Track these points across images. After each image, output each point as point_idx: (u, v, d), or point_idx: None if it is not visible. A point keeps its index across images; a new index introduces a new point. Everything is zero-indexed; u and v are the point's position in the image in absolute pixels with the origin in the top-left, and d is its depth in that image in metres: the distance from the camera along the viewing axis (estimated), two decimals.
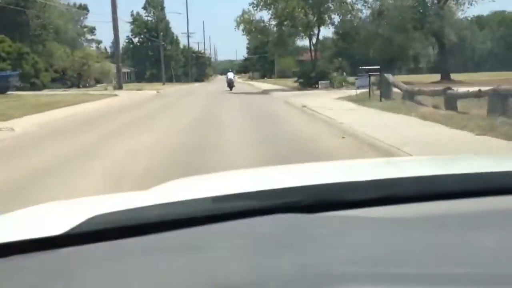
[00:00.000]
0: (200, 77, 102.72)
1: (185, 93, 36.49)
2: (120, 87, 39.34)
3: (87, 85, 55.07)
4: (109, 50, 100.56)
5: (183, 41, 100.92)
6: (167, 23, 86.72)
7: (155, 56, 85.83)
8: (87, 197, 1.42)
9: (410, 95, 16.16)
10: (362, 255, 0.81)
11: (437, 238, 0.86)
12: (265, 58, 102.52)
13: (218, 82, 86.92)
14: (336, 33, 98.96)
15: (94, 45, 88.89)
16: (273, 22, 34.11)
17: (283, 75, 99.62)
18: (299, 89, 31.56)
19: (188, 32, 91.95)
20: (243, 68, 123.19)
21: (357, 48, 49.56)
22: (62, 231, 0.94)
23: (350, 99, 19.09)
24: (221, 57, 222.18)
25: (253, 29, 33.47)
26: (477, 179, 1.22)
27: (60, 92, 34.37)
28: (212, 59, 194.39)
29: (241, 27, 33.74)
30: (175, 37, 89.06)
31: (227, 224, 0.98)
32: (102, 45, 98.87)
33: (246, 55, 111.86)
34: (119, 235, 0.95)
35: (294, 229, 0.93)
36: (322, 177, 1.34)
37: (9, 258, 0.88)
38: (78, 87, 53.30)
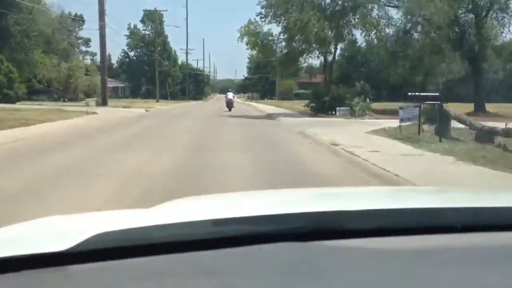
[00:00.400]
0: (198, 96, 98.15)
1: (178, 114, 31.70)
2: (104, 103, 34.44)
3: (77, 98, 50.30)
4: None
5: (181, 58, 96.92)
6: (165, 37, 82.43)
7: (152, 72, 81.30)
8: (86, 213, 1.41)
9: (487, 136, 11.30)
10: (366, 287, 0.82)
11: (438, 272, 0.87)
12: (266, 79, 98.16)
13: (216, 102, 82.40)
14: (343, 54, 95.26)
15: (88, 57, 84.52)
16: (283, 37, 29.26)
17: (284, 97, 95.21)
18: (310, 115, 26.71)
19: (187, 48, 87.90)
20: (242, 88, 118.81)
21: (371, 70, 44.59)
22: (64, 247, 0.93)
23: (390, 134, 14.23)
24: (221, 75, 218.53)
25: (259, 42, 28.60)
26: (478, 213, 1.21)
27: (34, 106, 29.53)
28: (211, 78, 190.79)
29: (245, 39, 28.90)
30: (173, 53, 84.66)
31: (233, 250, 0.98)
32: (97, 58, 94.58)
33: (246, 75, 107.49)
34: (121, 254, 0.94)
35: (301, 259, 0.94)
36: (324, 204, 1.32)
37: (8, 275, 0.87)
38: (65, 100, 48.56)
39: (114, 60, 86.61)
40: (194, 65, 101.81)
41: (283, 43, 29.36)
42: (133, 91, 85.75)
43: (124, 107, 33.21)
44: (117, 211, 1.51)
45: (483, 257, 0.99)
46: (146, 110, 31.98)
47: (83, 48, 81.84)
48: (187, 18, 75.63)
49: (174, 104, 51.63)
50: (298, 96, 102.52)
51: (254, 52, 28.86)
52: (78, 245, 0.93)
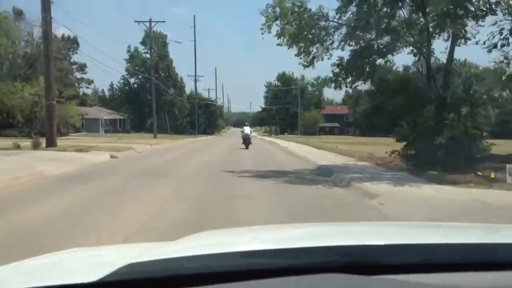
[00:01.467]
0: (210, 129, 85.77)
1: (168, 161, 19.00)
2: (51, 143, 21.65)
3: (61, 134, 37.96)
4: (105, 92, 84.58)
5: (190, 86, 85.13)
6: (170, 62, 70.61)
7: (156, 102, 69.20)
8: (115, 245, 1.41)
9: None
10: None
11: None
12: (286, 110, 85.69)
13: (230, 136, 70.00)
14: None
15: (84, 85, 72.76)
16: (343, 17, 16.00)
17: (308, 131, 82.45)
18: (411, 172, 13.49)
19: (195, 74, 75.54)
20: (258, 120, 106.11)
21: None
22: (93, 278, 0.91)
23: None
24: (234, 109, 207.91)
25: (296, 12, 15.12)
26: None
27: None
28: (225, 110, 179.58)
29: (275, 25, 15.41)
30: (179, 79, 72.58)
31: (271, 282, 0.92)
32: (96, 87, 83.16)
33: (262, 105, 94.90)
34: (151, 285, 0.93)
35: None
36: (359, 238, 1.27)
37: None
38: (30, 137, 36.34)
39: (106, 88, 74.97)
40: (205, 95, 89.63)
41: (344, 29, 15.93)
42: (137, 124, 73.80)
43: (81, 150, 20.30)
44: (143, 244, 1.51)
45: None
46: (112, 157, 19.01)
47: (78, 75, 70.24)
48: (195, 39, 63.48)
49: (175, 141, 38.96)
50: (323, 131, 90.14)
51: (282, 41, 14.77)
52: (107, 276, 0.91)
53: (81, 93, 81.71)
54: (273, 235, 1.48)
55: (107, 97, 78.22)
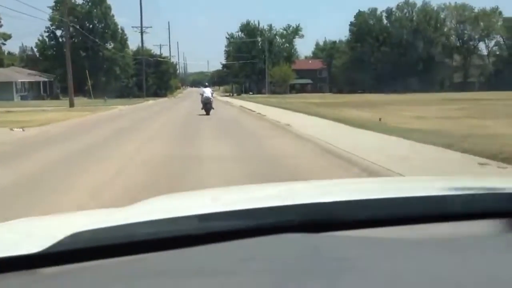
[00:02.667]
0: (161, 91, 72.31)
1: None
2: None
3: None
4: (35, 51, 68.93)
5: (136, 41, 70.52)
6: (107, 8, 56.06)
7: (91, 59, 55.16)
8: (67, 212, 1.32)
9: None
10: (377, 280, 0.76)
11: (444, 262, 0.84)
12: (252, 66, 72.82)
13: (186, 99, 57.29)
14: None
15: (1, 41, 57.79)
16: None
17: (277, 90, 70.18)
18: None
19: (141, 25, 61.36)
20: (218, 80, 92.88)
21: None
22: (40, 248, 0.87)
23: None
24: (190, 68, 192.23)
25: None
26: (484, 199, 1.15)
27: None
28: (180, 69, 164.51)
29: None
30: (119, 31, 58.27)
31: (226, 245, 0.89)
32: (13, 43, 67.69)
33: (223, 62, 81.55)
34: (101, 254, 0.88)
35: (306, 250, 0.86)
36: (319, 196, 1.22)
37: None
38: None
39: (32, 43, 59.41)
40: (156, 51, 75.31)
41: None
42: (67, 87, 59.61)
43: None
44: (95, 210, 1.45)
45: (492, 244, 0.94)
46: None
47: None
48: None
49: (102, 111, 26.13)
50: (294, 88, 78.13)
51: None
52: (52, 246, 0.86)
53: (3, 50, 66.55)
54: (232, 196, 1.42)
55: (38, 56, 62.75)
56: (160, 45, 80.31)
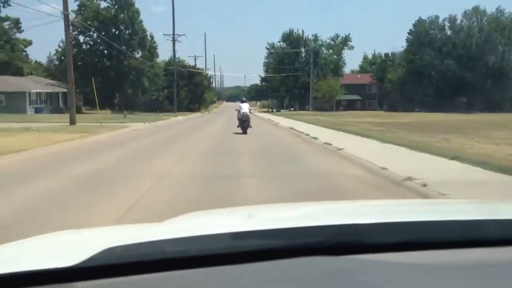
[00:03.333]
0: (194, 105, 65.94)
1: None
2: None
3: None
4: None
5: (167, 53, 64.04)
6: (135, 13, 49.95)
7: (116, 69, 49.13)
8: (100, 227, 1.37)
9: None
10: None
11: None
12: (294, 79, 65.56)
13: (221, 114, 50.72)
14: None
15: (22, 47, 52.39)
16: None
17: (322, 106, 62.51)
18: None
19: (174, 33, 55.07)
20: (256, 94, 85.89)
21: None
22: (73, 262, 0.88)
23: None
24: (227, 83, 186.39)
25: None
26: None
27: None
28: (216, 83, 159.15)
29: None
30: (148, 38, 51.97)
31: (255, 265, 0.89)
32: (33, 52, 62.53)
33: (262, 74, 74.45)
34: (132, 270, 0.88)
35: (333, 273, 0.87)
36: (351, 217, 1.24)
37: None
38: None
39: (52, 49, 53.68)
40: (190, 63, 69.01)
41: None
42: (94, 99, 53.88)
43: None
44: (129, 225, 1.47)
45: None
46: None
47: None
48: None
49: (106, 132, 19.30)
50: (340, 105, 69.90)
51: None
52: (84, 261, 0.88)
53: (30, 59, 61.78)
54: (265, 215, 1.40)
55: (58, 65, 57.22)
56: (195, 56, 74.07)
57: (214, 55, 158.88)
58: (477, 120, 36.45)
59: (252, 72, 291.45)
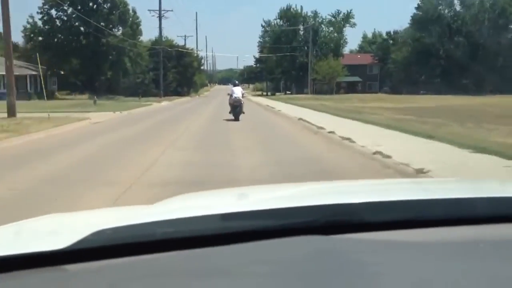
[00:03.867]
0: (183, 88, 60.65)
1: None
2: None
3: None
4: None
5: (153, 33, 58.11)
6: None
7: (94, 47, 43.60)
8: (90, 210, 1.38)
9: None
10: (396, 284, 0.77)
11: (467, 267, 0.83)
12: (291, 59, 60.18)
13: (212, 99, 45.87)
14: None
15: None
16: None
17: (322, 89, 57.32)
18: None
19: (160, 8, 49.48)
20: (250, 75, 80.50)
21: None
22: (64, 245, 0.88)
23: None
24: (219, 66, 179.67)
25: None
26: (509, 203, 1.13)
27: None
28: (207, 65, 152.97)
29: None
30: (130, 13, 46.10)
31: (244, 246, 0.89)
32: None
33: (257, 55, 69.07)
34: (122, 252, 0.89)
35: (324, 252, 0.87)
36: (341, 197, 1.24)
37: (7, 274, 0.84)
38: None
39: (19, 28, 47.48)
40: (179, 42, 63.35)
41: None
42: (71, 81, 48.45)
43: None
44: (119, 208, 1.49)
45: None
46: None
47: None
48: None
49: (67, 124, 14.18)
50: (341, 87, 64.71)
51: None
52: (75, 243, 0.88)
53: None
54: (256, 196, 1.41)
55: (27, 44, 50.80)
56: (185, 36, 68.22)
57: (206, 36, 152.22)
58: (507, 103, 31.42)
59: (246, 54, 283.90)
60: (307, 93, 53.30)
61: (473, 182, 1.78)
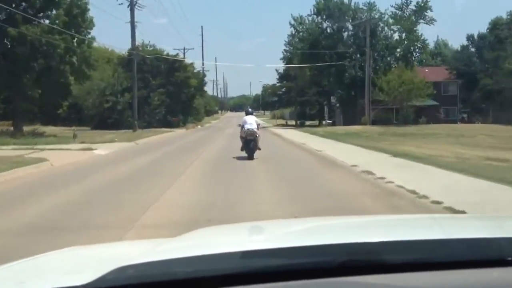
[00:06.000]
0: (176, 116, 41.12)
1: None
2: None
3: None
4: None
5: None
6: None
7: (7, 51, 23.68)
8: (111, 243, 1.38)
9: None
10: None
11: None
12: (337, 73, 39.77)
13: (218, 133, 28.68)
14: None
15: None
16: None
17: (384, 118, 36.31)
18: None
19: None
20: (270, 100, 60.15)
21: None
22: (80, 282, 0.87)
23: None
24: (231, 93, 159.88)
25: None
26: None
27: None
28: (217, 91, 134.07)
29: None
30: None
31: (273, 287, 0.88)
32: None
33: (281, 68, 49.04)
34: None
35: None
36: (360, 235, 1.21)
37: None
38: None
39: None
40: (168, 52, 43.43)
41: None
42: None
43: None
44: (139, 241, 1.46)
45: None
46: None
47: None
48: None
49: None
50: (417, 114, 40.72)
51: None
52: (94, 281, 0.86)
53: None
54: (274, 232, 1.39)
55: None
56: (185, 48, 48.60)
57: (216, 58, 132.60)
58: None
59: (259, 79, 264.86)
60: (364, 123, 32.85)
61: (494, 219, 1.62)
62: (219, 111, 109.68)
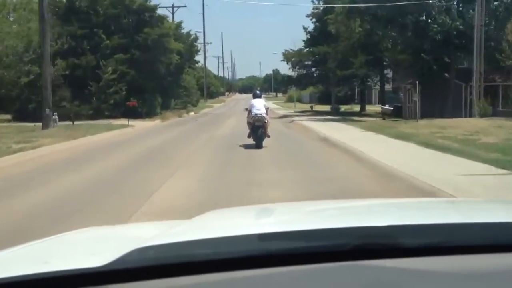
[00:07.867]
0: (151, 101, 25.29)
1: None
2: None
3: None
4: None
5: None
6: None
7: None
8: (129, 224, 1.43)
9: None
10: None
11: None
12: (374, 47, 22.69)
13: (220, 120, 21.90)
14: None
15: None
16: None
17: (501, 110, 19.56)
18: None
19: None
20: (286, 78, 43.60)
21: None
22: (97, 264, 0.86)
23: None
24: (240, 74, 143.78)
25: None
26: None
27: None
28: (223, 71, 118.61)
29: None
30: None
31: (285, 271, 0.87)
32: None
33: (302, 45, 32.64)
34: (160, 273, 0.87)
35: (366, 281, 0.84)
36: (376, 218, 1.20)
37: None
38: None
39: None
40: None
41: None
42: None
43: None
44: (156, 223, 1.48)
45: None
46: None
47: None
48: None
49: None
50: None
51: None
52: (112, 263, 0.86)
53: None
54: (288, 215, 1.38)
55: None
56: (173, 6, 33.67)
57: (222, 33, 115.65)
58: None
59: (268, 60, 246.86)
60: (475, 115, 16.90)
61: (507, 203, 1.58)
62: (226, 93, 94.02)
